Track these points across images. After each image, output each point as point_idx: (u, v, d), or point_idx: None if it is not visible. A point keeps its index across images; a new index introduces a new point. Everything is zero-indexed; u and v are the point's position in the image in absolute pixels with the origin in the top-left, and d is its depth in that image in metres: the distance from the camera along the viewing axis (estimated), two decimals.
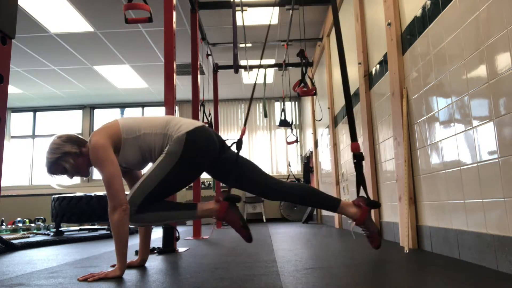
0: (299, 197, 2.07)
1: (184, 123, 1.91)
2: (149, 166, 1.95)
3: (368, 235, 2.08)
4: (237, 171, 2.03)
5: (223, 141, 2.08)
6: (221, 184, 6.33)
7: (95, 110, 8.91)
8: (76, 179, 1.94)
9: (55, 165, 1.83)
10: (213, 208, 1.89)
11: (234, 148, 2.07)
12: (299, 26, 4.88)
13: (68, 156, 1.83)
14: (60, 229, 4.95)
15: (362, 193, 2.17)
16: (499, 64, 1.55)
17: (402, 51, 2.56)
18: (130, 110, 8.98)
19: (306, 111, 7.57)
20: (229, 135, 8.57)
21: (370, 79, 3.33)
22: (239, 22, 4.92)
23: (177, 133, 1.86)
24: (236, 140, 2.05)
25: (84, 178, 2.23)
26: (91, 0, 4.51)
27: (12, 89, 7.46)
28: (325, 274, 1.63)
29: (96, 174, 8.04)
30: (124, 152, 1.86)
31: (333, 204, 2.08)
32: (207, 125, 5.21)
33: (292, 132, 5.71)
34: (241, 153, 2.05)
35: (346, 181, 4.41)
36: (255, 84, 2.22)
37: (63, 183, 1.90)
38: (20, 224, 6.26)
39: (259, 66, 2.35)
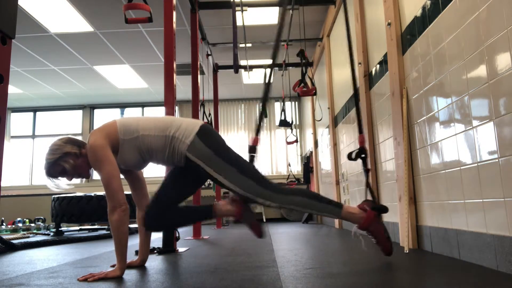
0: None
1: (187, 125, 1.89)
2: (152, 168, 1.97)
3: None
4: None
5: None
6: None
7: (95, 110, 8.91)
8: (74, 182, 1.93)
9: (55, 166, 1.82)
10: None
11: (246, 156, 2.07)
12: (299, 26, 4.88)
13: (68, 156, 1.82)
14: (60, 229, 4.95)
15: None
16: (499, 64, 1.55)
17: (402, 51, 2.56)
18: (130, 110, 8.97)
19: (306, 111, 7.57)
20: (229, 135, 8.56)
21: (370, 79, 3.33)
22: (239, 22, 4.92)
23: (187, 138, 1.84)
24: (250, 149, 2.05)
25: (84, 180, 2.23)
26: (91, 0, 4.51)
27: (12, 89, 7.46)
28: (325, 274, 1.63)
29: (96, 174, 8.04)
30: (122, 153, 1.85)
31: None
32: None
33: (292, 132, 5.71)
34: (241, 155, 2.05)
35: (346, 181, 4.41)
36: (267, 83, 2.21)
37: (61, 185, 1.89)
38: (20, 224, 6.26)
39: (272, 66, 2.25)
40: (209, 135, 1.88)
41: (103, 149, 1.77)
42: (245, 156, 1.99)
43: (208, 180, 2.08)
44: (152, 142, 1.86)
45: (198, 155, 1.84)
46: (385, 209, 1.91)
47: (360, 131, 2.14)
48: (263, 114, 2.19)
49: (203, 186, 7.92)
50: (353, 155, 2.08)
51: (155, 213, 1.89)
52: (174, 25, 2.93)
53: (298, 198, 1.86)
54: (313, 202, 1.88)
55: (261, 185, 1.84)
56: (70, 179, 1.89)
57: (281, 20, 2.26)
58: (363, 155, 2.07)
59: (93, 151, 1.77)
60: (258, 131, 2.16)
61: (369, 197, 2.05)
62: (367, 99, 3.35)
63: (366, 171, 2.07)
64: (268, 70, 2.17)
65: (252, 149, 2.03)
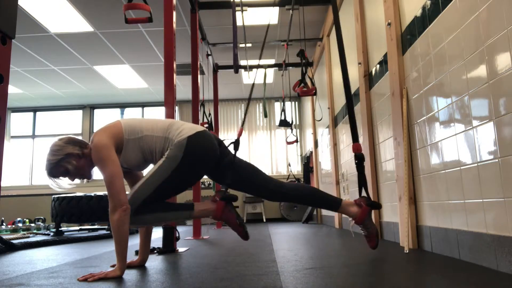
0: (300, 198, 2.10)
1: (185, 127, 1.91)
2: (150, 167, 1.96)
3: (366, 234, 2.10)
4: (236, 172, 2.03)
5: (224, 145, 2.08)
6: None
7: (95, 110, 8.91)
8: (75, 181, 1.94)
9: (57, 167, 1.82)
10: (209, 208, 1.92)
11: (231, 148, 2.07)
12: (299, 26, 4.88)
13: (71, 157, 1.83)
14: (60, 229, 4.95)
15: (364, 193, 2.18)
16: (499, 64, 1.55)
17: (402, 51, 2.56)
18: (130, 110, 8.98)
19: (306, 111, 7.57)
20: (229, 135, 8.56)
21: (370, 79, 3.33)
22: (239, 22, 4.92)
23: (178, 138, 1.87)
24: (233, 141, 2.05)
25: (85, 180, 2.24)
26: (91, 0, 4.51)
27: (12, 89, 7.46)
28: (325, 274, 1.63)
29: (96, 174, 8.04)
30: (125, 153, 1.86)
31: (334, 203, 2.10)
32: (207, 126, 5.22)
33: (292, 132, 5.71)
34: (241, 155, 2.06)
35: (346, 181, 4.41)
36: (253, 85, 2.21)
37: (63, 186, 1.90)
38: (20, 224, 6.26)
39: (258, 66, 2.33)
40: (196, 147, 1.87)
41: (107, 148, 1.77)
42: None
43: (209, 180, 2.09)
44: (153, 142, 1.89)
45: (171, 152, 1.85)
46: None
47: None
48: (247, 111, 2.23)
49: (202, 186, 7.93)
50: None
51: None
52: (174, 25, 2.93)
53: (148, 217, 1.85)
54: (164, 216, 1.88)
55: (144, 200, 1.82)
56: (72, 180, 1.89)
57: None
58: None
59: (98, 150, 1.77)
60: (243, 123, 2.23)
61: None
62: (367, 99, 3.35)
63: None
64: (268, 70, 2.20)
65: (236, 145, 2.03)
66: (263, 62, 6.56)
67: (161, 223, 1.96)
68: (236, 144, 2.05)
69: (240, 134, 2.13)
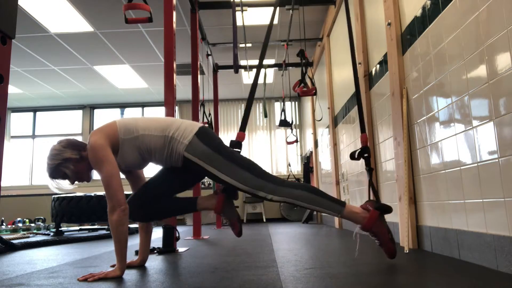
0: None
1: (186, 126, 1.90)
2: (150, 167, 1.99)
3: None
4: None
5: None
6: None
7: (95, 110, 8.91)
8: (75, 183, 1.94)
9: (56, 171, 1.83)
10: (361, 213, 1.85)
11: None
12: (299, 26, 4.88)
13: (69, 162, 1.83)
14: (60, 229, 4.95)
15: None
16: (499, 64, 1.55)
17: (402, 51, 2.56)
18: (130, 110, 8.97)
19: (306, 111, 7.57)
20: (229, 135, 8.56)
21: (370, 79, 3.33)
22: (239, 22, 4.92)
23: (185, 139, 1.85)
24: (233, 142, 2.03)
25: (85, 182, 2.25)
26: (91, 0, 4.51)
27: (12, 89, 7.46)
28: (325, 274, 1.63)
29: (96, 174, 8.04)
30: (122, 153, 1.85)
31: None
32: (207, 125, 5.22)
33: (292, 132, 5.71)
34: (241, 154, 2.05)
35: (346, 181, 4.41)
36: (253, 84, 2.18)
37: (64, 187, 1.90)
38: (20, 224, 6.26)
39: (259, 66, 2.28)
40: (207, 136, 1.89)
41: (103, 149, 1.77)
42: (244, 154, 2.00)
43: (209, 180, 2.10)
44: (151, 142, 1.87)
45: (197, 154, 1.84)
46: (389, 209, 1.84)
47: (363, 130, 2.09)
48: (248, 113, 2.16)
49: (202, 186, 7.93)
50: (356, 155, 2.05)
51: (138, 202, 1.93)
52: (174, 25, 2.93)
53: (300, 192, 1.84)
54: (315, 197, 1.85)
55: (262, 178, 1.84)
56: (72, 183, 1.90)
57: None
58: (366, 155, 2.02)
59: (94, 151, 1.77)
60: (244, 126, 2.10)
61: (372, 197, 1.98)
62: (367, 99, 3.36)
63: (369, 170, 2.01)
64: (268, 69, 2.18)
65: (237, 145, 2.01)
66: (263, 62, 6.56)
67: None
68: (237, 146, 2.02)
69: (240, 138, 2.06)
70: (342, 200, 4.68)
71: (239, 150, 1.98)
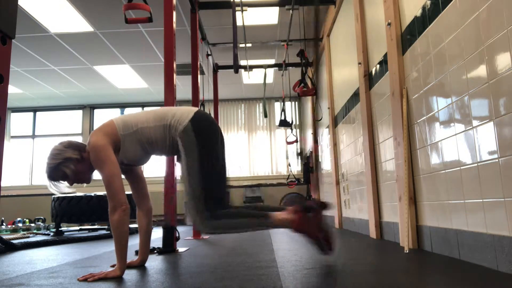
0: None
1: (182, 112, 1.90)
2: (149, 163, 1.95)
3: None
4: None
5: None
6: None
7: (95, 110, 8.91)
8: (75, 185, 1.93)
9: (56, 171, 1.82)
10: (288, 218, 1.80)
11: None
12: (299, 26, 4.88)
13: (69, 162, 1.83)
14: (60, 229, 4.95)
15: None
16: (499, 64, 1.55)
17: (402, 51, 2.56)
18: (130, 110, 8.97)
19: (306, 111, 7.57)
20: (229, 135, 8.56)
21: (370, 79, 3.33)
22: (239, 22, 4.92)
23: (180, 125, 1.85)
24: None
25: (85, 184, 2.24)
26: (91, 0, 4.51)
27: (12, 89, 7.46)
28: (325, 274, 1.63)
29: (96, 174, 8.04)
30: (124, 149, 1.86)
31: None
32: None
33: (292, 132, 5.71)
34: (240, 155, 2.04)
35: (346, 181, 4.41)
36: (264, 83, 2.19)
37: (62, 189, 1.89)
38: (20, 224, 6.26)
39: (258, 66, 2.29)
40: (201, 125, 1.87)
41: (104, 149, 1.77)
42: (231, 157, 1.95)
43: None
44: (151, 133, 1.87)
45: (184, 142, 1.84)
46: (309, 208, 1.81)
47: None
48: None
49: None
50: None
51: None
52: (174, 25, 2.93)
53: (226, 224, 1.79)
54: (241, 225, 1.80)
55: (206, 203, 1.78)
56: (71, 184, 1.89)
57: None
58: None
59: (95, 151, 1.77)
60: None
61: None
62: (367, 99, 3.35)
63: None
64: (268, 69, 2.18)
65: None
66: (263, 62, 6.56)
67: (239, 231, 1.85)
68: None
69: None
70: (340, 201, 4.68)
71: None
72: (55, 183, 1.86)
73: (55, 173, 1.83)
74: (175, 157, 2.14)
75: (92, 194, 4.80)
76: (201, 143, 1.84)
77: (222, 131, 2.04)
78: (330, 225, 1.88)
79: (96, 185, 7.83)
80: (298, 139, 7.99)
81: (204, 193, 1.80)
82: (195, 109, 1.94)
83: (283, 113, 5.32)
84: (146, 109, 8.90)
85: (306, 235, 1.82)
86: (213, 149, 1.88)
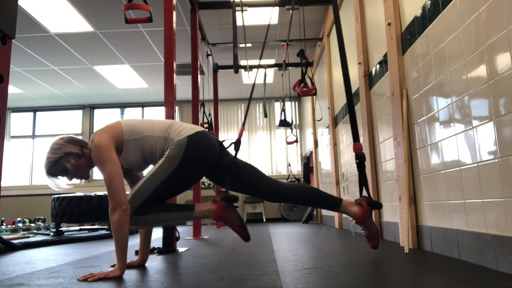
0: (299, 198, 2.08)
1: (185, 127, 1.92)
2: (150, 168, 1.95)
3: (367, 234, 2.08)
4: (235, 174, 2.02)
5: (223, 146, 2.08)
6: None
7: (95, 110, 8.91)
8: (74, 182, 1.93)
9: (56, 165, 1.82)
10: (210, 208, 1.90)
11: (232, 148, 2.07)
12: (299, 26, 4.88)
13: (70, 156, 1.83)
14: (60, 229, 4.95)
15: (364, 193, 2.16)
16: (499, 64, 1.55)
17: (402, 51, 2.56)
18: (130, 110, 8.97)
19: (306, 111, 7.57)
20: (229, 135, 8.56)
21: (370, 79, 3.33)
22: (239, 22, 4.92)
23: (178, 137, 1.87)
24: (234, 141, 2.05)
25: (84, 181, 2.25)
26: (91, 0, 4.51)
27: (12, 89, 7.46)
28: (325, 274, 1.63)
29: (96, 174, 8.05)
30: (126, 153, 1.87)
31: (335, 203, 2.08)
32: (207, 126, 5.21)
33: (292, 132, 5.71)
34: (241, 155, 2.06)
35: (346, 181, 4.41)
36: (253, 84, 2.21)
37: (61, 185, 1.90)
38: (20, 224, 6.26)
39: (258, 66, 2.32)
40: (196, 147, 1.88)
41: (107, 149, 1.77)
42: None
43: (208, 180, 2.06)
44: (153, 143, 1.89)
45: (171, 152, 1.85)
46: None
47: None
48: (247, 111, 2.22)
49: (202, 186, 7.93)
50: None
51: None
52: (174, 25, 2.93)
53: (148, 217, 1.85)
54: (164, 217, 1.87)
55: (144, 201, 1.82)
56: (70, 179, 1.89)
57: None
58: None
59: (98, 150, 1.77)
60: (243, 123, 2.21)
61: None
62: (367, 99, 3.35)
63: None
64: (268, 69, 2.19)
65: (237, 146, 2.03)
66: (263, 62, 6.56)
67: (162, 224, 1.95)
68: (237, 144, 2.05)
69: (241, 134, 2.13)
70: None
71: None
72: (54, 178, 1.86)
73: (54, 168, 1.83)
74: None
75: (92, 194, 4.80)
76: (183, 164, 1.85)
77: (222, 132, 2.05)
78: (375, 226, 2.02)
79: (96, 185, 7.83)
80: (298, 140, 8.00)
81: (146, 199, 1.83)
82: (201, 129, 1.95)
83: (283, 113, 5.32)
84: (146, 109, 8.91)
85: (226, 223, 1.92)
86: (188, 175, 1.89)
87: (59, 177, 1.88)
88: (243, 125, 2.22)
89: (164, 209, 1.88)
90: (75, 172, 1.86)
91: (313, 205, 2.11)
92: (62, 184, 1.90)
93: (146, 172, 2.11)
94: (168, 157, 1.85)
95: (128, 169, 1.98)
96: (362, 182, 2.15)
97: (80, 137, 1.98)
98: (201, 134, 1.92)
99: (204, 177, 2.09)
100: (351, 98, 2.29)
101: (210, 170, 2.03)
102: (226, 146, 2.10)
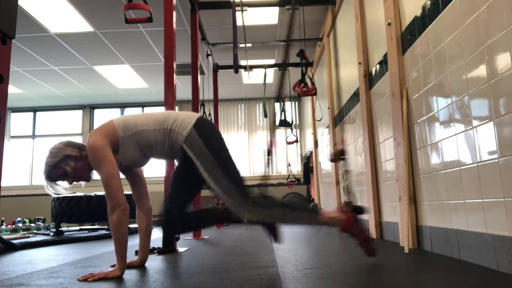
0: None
1: (184, 117, 1.90)
2: (148, 165, 1.94)
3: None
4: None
5: None
6: None
7: (95, 110, 8.91)
8: (73, 183, 1.92)
9: (56, 169, 1.81)
10: (339, 217, 1.86)
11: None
12: (299, 26, 4.88)
13: (69, 159, 1.82)
14: (60, 229, 4.95)
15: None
16: (499, 64, 1.55)
17: (402, 51, 2.56)
18: (130, 110, 8.98)
19: (306, 111, 7.57)
20: (229, 135, 8.56)
21: (370, 79, 3.33)
22: (239, 22, 4.92)
23: (184, 131, 1.85)
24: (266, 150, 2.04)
25: (84, 183, 2.24)
26: (91, 0, 4.51)
27: (12, 89, 7.46)
28: (325, 274, 1.63)
29: (96, 174, 8.04)
30: (123, 150, 1.86)
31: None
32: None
33: (292, 132, 5.71)
34: (240, 155, 2.05)
35: (346, 181, 4.41)
36: (264, 84, 2.21)
37: (60, 190, 1.88)
38: (20, 224, 6.26)
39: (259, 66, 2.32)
40: (205, 129, 1.88)
41: (103, 149, 1.77)
42: (235, 155, 1.96)
43: None
44: (151, 136, 1.86)
45: (192, 148, 1.84)
46: (363, 210, 1.92)
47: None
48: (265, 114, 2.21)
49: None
50: (332, 157, 2.10)
51: (174, 217, 1.91)
52: (174, 25, 2.93)
53: (275, 212, 1.84)
54: (290, 215, 1.86)
55: (241, 194, 1.81)
56: (71, 183, 1.88)
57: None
58: (342, 157, 2.09)
59: (93, 151, 1.77)
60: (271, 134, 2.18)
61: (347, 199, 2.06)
62: (367, 99, 3.35)
63: (346, 171, 2.07)
64: (268, 69, 2.19)
65: (269, 152, 2.02)
66: (263, 62, 6.56)
67: (286, 223, 1.90)
68: (269, 153, 2.03)
69: (271, 145, 2.11)
70: (340, 201, 4.68)
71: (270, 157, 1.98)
72: (53, 184, 1.85)
73: (54, 172, 1.81)
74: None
75: (92, 194, 4.80)
76: (209, 143, 1.85)
77: (222, 132, 2.05)
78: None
79: (96, 185, 7.82)
80: (298, 140, 7.99)
81: (235, 186, 1.82)
82: (197, 114, 1.94)
83: (283, 113, 5.32)
84: (146, 109, 8.91)
85: (353, 236, 1.87)
86: (222, 145, 1.90)
87: (58, 182, 1.87)
88: (272, 136, 2.14)
89: (288, 206, 1.87)
90: (75, 174, 1.85)
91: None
92: (60, 190, 1.89)
93: (146, 173, 2.11)
94: (197, 155, 1.82)
95: (127, 167, 1.97)
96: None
97: (80, 137, 1.98)
98: (201, 118, 1.92)
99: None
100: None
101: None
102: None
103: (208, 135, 1.87)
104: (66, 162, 1.81)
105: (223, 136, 1.97)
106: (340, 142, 2.16)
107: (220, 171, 1.82)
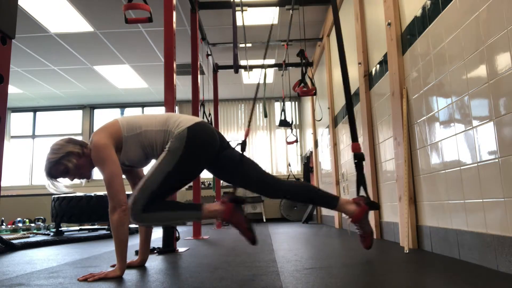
0: (296, 194, 2.05)
1: (184, 119, 1.91)
2: (152, 163, 1.94)
3: (361, 234, 2.08)
4: (241, 170, 2.02)
5: (223, 137, 2.08)
6: (221, 183, 6.33)
7: (95, 110, 8.91)
8: (74, 182, 1.92)
9: (57, 165, 1.81)
10: (218, 209, 1.86)
11: (238, 149, 2.07)
12: (299, 26, 4.88)
13: (71, 155, 1.83)
14: (60, 229, 4.95)
15: (362, 193, 2.16)
16: (499, 64, 1.55)
17: (402, 51, 2.56)
18: (130, 110, 8.97)
19: (306, 111, 7.57)
20: (229, 135, 8.57)
21: (370, 79, 3.33)
22: (239, 22, 4.92)
23: (177, 129, 1.86)
24: (240, 142, 2.05)
25: (85, 181, 2.23)
26: (91, 0, 4.51)
27: (12, 89, 7.46)
28: (325, 274, 1.63)
29: (96, 174, 8.05)
30: (126, 150, 1.86)
31: (332, 200, 2.05)
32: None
33: (292, 132, 5.71)
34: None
35: (346, 181, 4.41)
36: (258, 84, 2.21)
37: (60, 188, 1.89)
38: (20, 224, 6.26)
39: (261, 66, 2.34)
40: (195, 141, 1.85)
41: (107, 148, 1.77)
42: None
43: (209, 179, 2.05)
44: (152, 137, 1.88)
45: (172, 144, 1.83)
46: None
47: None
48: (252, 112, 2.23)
49: (202, 186, 7.93)
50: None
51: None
52: (174, 25, 2.93)
53: (157, 215, 1.82)
54: (171, 215, 1.85)
55: (149, 196, 1.79)
56: (72, 179, 1.88)
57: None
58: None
59: (97, 150, 1.77)
60: (249, 123, 2.22)
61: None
62: (367, 99, 3.35)
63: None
64: (268, 70, 2.20)
65: (243, 146, 2.03)
66: (263, 62, 6.55)
67: (169, 223, 1.90)
68: (243, 145, 2.04)
69: (247, 135, 2.13)
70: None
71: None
72: (54, 181, 1.85)
73: (56, 168, 1.81)
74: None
75: (92, 194, 4.80)
76: (185, 155, 1.83)
77: (222, 132, 2.04)
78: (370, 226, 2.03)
79: (96, 185, 7.83)
80: (298, 140, 8.00)
81: (152, 194, 1.80)
82: (199, 119, 1.93)
83: (283, 113, 5.32)
84: (146, 109, 8.91)
85: (234, 225, 1.87)
86: (191, 166, 1.87)
87: (59, 179, 1.87)
88: (248, 125, 2.22)
89: (171, 207, 1.85)
90: (76, 172, 1.85)
91: (311, 202, 2.07)
92: (61, 187, 1.89)
93: (148, 168, 2.12)
94: (170, 150, 1.83)
95: (129, 166, 1.97)
96: (360, 182, 2.15)
97: (80, 138, 1.99)
98: (201, 124, 1.90)
99: (203, 177, 2.08)
100: (350, 98, 2.31)
101: (212, 161, 2.00)
102: (228, 142, 2.09)
103: (191, 150, 1.84)
104: (68, 159, 1.82)
105: (214, 143, 1.92)
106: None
107: (162, 179, 1.80)
